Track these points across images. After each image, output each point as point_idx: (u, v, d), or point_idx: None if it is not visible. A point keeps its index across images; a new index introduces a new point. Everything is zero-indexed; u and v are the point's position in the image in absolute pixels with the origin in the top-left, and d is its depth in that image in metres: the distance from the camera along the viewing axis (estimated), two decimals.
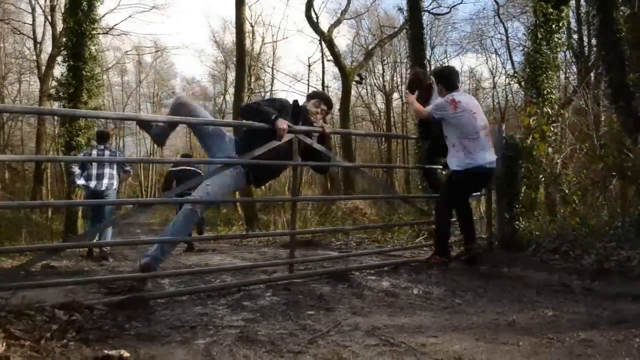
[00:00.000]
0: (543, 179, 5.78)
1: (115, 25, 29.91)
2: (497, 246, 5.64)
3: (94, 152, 7.58)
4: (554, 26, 11.79)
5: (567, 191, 5.90)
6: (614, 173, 5.46)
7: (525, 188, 5.70)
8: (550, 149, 5.93)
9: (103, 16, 22.63)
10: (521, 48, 23.41)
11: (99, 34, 14.50)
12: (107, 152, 7.40)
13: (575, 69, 21.04)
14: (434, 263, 4.73)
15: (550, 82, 11.00)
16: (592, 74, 16.79)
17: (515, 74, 15.14)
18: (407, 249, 5.90)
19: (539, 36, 11.17)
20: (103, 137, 7.63)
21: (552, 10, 11.33)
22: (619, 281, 3.84)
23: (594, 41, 17.88)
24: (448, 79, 4.87)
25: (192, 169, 8.67)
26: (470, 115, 4.61)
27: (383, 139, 31.98)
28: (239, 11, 14.98)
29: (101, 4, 13.36)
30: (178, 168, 8.79)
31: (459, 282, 3.95)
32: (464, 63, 56.88)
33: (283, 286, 3.84)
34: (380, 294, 3.58)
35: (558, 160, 5.88)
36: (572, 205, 5.76)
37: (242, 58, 15.27)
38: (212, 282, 4.18)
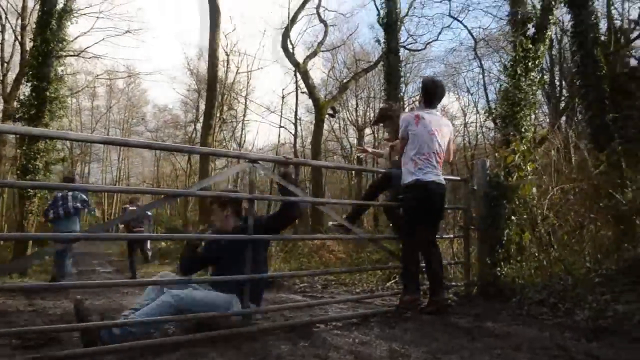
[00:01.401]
0: (529, 221, 5.28)
1: (88, 47, 29.16)
2: (477, 295, 5.12)
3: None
4: (530, 64, 11.66)
5: (551, 236, 5.42)
6: (609, 216, 5.02)
7: (509, 231, 5.20)
8: (534, 190, 5.47)
9: (75, 38, 22.04)
10: (495, 86, 23.52)
11: (67, 55, 13.93)
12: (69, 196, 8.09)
13: (547, 109, 21.15)
14: (404, 306, 4.36)
15: (527, 119, 10.75)
16: (564, 115, 16.81)
17: (492, 110, 14.95)
18: (377, 296, 5.30)
19: (519, 72, 10.96)
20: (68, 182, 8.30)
21: (531, 46, 11.17)
22: (621, 343, 3.31)
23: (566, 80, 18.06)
24: (430, 94, 4.72)
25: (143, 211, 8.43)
26: (428, 135, 4.51)
27: (353, 174, 31.57)
28: (212, 36, 14.54)
29: (71, 24, 12.83)
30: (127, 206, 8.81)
31: (439, 341, 3.37)
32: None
33: (233, 344, 3.20)
34: (347, 357, 2.97)
35: (545, 202, 5.43)
36: (556, 251, 5.27)
37: (213, 84, 14.79)
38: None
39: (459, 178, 5.64)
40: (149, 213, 8.88)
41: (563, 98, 20.09)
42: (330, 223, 5.11)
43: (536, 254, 5.38)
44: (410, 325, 3.85)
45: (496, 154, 8.09)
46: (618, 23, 15.28)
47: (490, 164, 5.64)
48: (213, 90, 14.56)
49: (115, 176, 42.35)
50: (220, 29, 14.53)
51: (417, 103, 4.92)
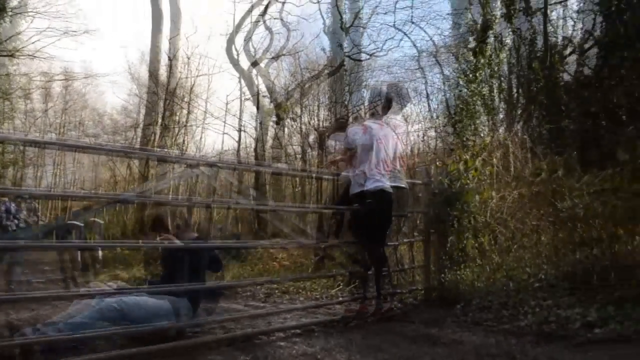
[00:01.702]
0: (471, 227, 5.29)
1: (23, 47, 27.76)
2: (423, 301, 5.09)
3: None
4: (471, 75, 11.92)
5: (493, 242, 5.47)
6: (549, 220, 5.10)
7: (454, 237, 5.20)
8: (477, 196, 5.51)
9: (9, 38, 20.91)
10: (437, 97, 23.97)
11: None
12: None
13: (502, 117, 21.71)
14: (351, 315, 4.37)
15: (469, 128, 10.95)
16: (520, 122, 17.33)
17: (436, 120, 15.20)
18: (322, 305, 5.16)
19: (461, 82, 11.18)
20: None
21: (472, 58, 11.43)
22: (565, 349, 3.32)
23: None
24: (388, 100, 4.86)
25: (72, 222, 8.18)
26: (377, 143, 4.55)
27: (297, 180, 31.45)
28: (154, 40, 14.13)
29: (4, 22, 12.10)
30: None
31: (385, 352, 3.28)
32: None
33: None
34: None
35: (487, 208, 5.47)
36: (498, 257, 5.31)
37: (154, 89, 14.32)
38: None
39: (403, 185, 5.59)
40: (78, 223, 8.42)
41: (502, 110, 20.68)
42: None
43: (478, 260, 5.40)
44: (356, 335, 3.75)
45: (437, 162, 8.19)
46: (553, 39, 15.93)
47: (432, 172, 5.64)
48: (152, 94, 14.12)
49: (50, 182, 40.53)
50: (162, 33, 14.13)
51: (377, 109, 4.88)
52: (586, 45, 11.65)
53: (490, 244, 5.41)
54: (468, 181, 5.68)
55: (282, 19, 24.58)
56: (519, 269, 5.32)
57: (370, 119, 4.73)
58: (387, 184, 4.51)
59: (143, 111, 32.84)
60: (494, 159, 6.18)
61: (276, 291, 7.20)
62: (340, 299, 5.41)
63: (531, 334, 3.68)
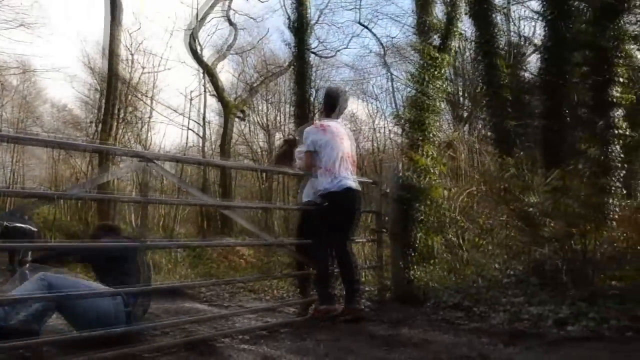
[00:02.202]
0: (439, 223, 5.21)
1: None
2: (391, 299, 4.97)
3: None
4: (436, 72, 11.90)
5: (461, 238, 5.41)
6: (516, 218, 5.04)
7: (421, 233, 5.10)
8: (445, 192, 5.44)
9: None
10: (402, 93, 24.06)
11: None
12: None
13: (449, 118, 21.94)
14: (319, 315, 4.16)
15: (434, 125, 10.92)
16: (467, 123, 17.51)
17: (400, 116, 15.17)
18: (289, 304, 4.96)
19: (426, 78, 11.11)
20: None
21: (437, 55, 11.39)
22: (539, 347, 3.23)
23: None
24: (333, 104, 4.70)
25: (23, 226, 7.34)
26: (339, 141, 4.46)
27: (265, 177, 31.21)
28: (112, 32, 13.66)
29: None
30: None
31: (355, 353, 3.13)
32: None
33: None
34: None
35: (456, 204, 5.40)
36: (467, 253, 5.26)
37: (112, 82, 13.86)
38: None
39: (370, 180, 5.46)
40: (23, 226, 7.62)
41: (465, 108, 20.93)
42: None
43: (447, 257, 5.33)
44: (324, 336, 3.59)
45: (403, 158, 8.09)
46: (515, 39, 16.16)
47: (399, 168, 5.53)
48: (112, 88, 13.65)
49: (9, 178, 39.05)
50: (121, 26, 13.67)
51: (340, 108, 4.78)
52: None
53: (458, 239, 5.34)
54: (435, 177, 5.61)
55: (245, 15, 24.39)
56: (487, 265, 5.28)
57: (325, 119, 4.61)
58: (353, 182, 4.40)
59: (104, 106, 32.04)
60: (462, 155, 6.12)
61: (241, 290, 7.00)
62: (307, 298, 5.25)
63: (503, 332, 3.59)
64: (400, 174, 5.22)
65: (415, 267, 5.03)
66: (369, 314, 4.46)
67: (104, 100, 31.39)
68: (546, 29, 10.27)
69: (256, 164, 32.15)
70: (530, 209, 4.87)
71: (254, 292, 6.62)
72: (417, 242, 5.09)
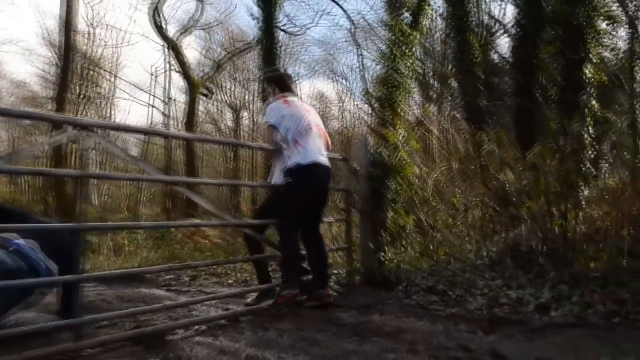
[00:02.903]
0: (409, 202, 4.93)
1: None
2: (361, 283, 4.69)
3: None
4: (406, 50, 11.63)
5: (434, 219, 5.15)
6: (491, 196, 4.80)
7: (392, 213, 4.81)
8: (417, 170, 5.15)
9: None
10: (372, 72, 23.81)
11: None
12: None
13: (418, 98, 21.80)
14: (283, 301, 3.77)
15: (404, 102, 10.65)
16: (436, 104, 17.36)
17: (370, 93, 14.85)
18: (252, 290, 4.56)
19: (397, 55, 10.80)
20: None
21: (408, 31, 11.07)
22: (521, 334, 2.99)
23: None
24: (282, 80, 4.37)
25: None
26: (304, 112, 4.16)
27: (231, 154, 30.62)
28: (68, 2, 12.90)
29: None
30: None
31: (321, 345, 2.82)
32: (315, 86, 57.59)
33: None
34: None
35: (428, 183, 5.13)
36: (440, 234, 5.00)
37: (67, 54, 13.15)
38: None
39: (339, 157, 5.12)
40: None
41: (434, 89, 20.81)
42: None
43: (419, 238, 5.07)
44: (288, 325, 3.28)
45: (373, 135, 7.81)
46: (485, 19, 16.03)
47: (370, 143, 5.19)
48: (67, 61, 12.96)
49: None
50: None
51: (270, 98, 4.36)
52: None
53: (430, 220, 5.08)
54: (406, 154, 5.34)
55: None
56: (461, 246, 5.06)
57: (283, 95, 4.21)
58: (323, 157, 4.05)
59: (70, 84, 30.75)
60: (433, 133, 5.84)
61: (203, 273, 6.63)
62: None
63: (482, 318, 3.35)
64: (371, 150, 4.90)
65: (386, 248, 4.75)
66: (337, 299, 4.16)
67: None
68: (519, 5, 10.11)
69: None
70: (508, 188, 4.62)
71: (216, 276, 6.25)
72: (388, 222, 4.80)
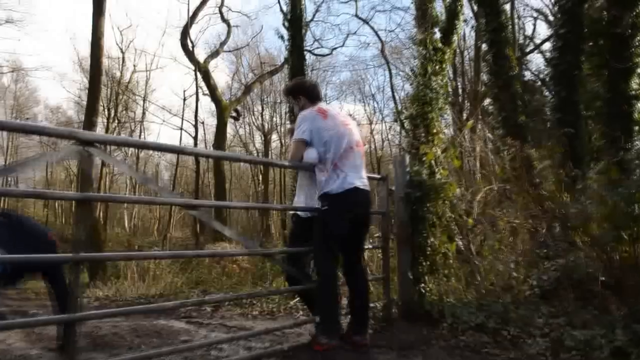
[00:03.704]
0: (456, 227, 4.43)
1: None
2: (399, 317, 4.20)
3: None
4: (437, 67, 11.22)
5: (480, 244, 4.63)
6: (556, 217, 4.25)
7: (433, 239, 4.33)
8: (458, 190, 4.66)
9: None
10: (400, 93, 23.52)
11: None
12: None
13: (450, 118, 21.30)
14: (319, 350, 3.25)
15: (439, 120, 10.16)
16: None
17: (401, 111, 14.41)
18: (279, 328, 4.10)
19: (429, 70, 10.36)
20: None
21: (440, 46, 10.65)
22: None
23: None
24: (310, 88, 3.80)
25: None
26: (344, 127, 3.56)
27: (260, 177, 30.49)
28: (96, 23, 12.86)
29: None
30: None
31: None
32: (343, 108, 57.59)
33: None
34: None
35: (474, 204, 4.62)
36: (487, 262, 4.47)
37: (96, 77, 13.05)
38: None
39: (377, 176, 4.66)
40: None
41: (465, 109, 20.34)
42: None
43: (463, 266, 4.56)
44: None
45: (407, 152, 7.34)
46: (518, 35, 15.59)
47: (407, 161, 4.72)
48: (96, 84, 12.84)
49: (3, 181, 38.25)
50: (104, 16, 12.86)
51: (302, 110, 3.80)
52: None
53: (476, 246, 4.57)
54: (446, 172, 4.88)
55: (239, 12, 23.65)
56: (506, 273, 4.53)
57: (316, 105, 3.66)
58: (364, 180, 3.56)
59: (100, 107, 31.14)
60: (476, 149, 5.36)
61: (226, 303, 6.23)
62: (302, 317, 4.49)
63: None
64: (409, 169, 4.44)
65: (426, 278, 4.26)
66: (373, 336, 3.69)
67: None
68: (559, 14, 9.62)
69: (251, 166, 31.45)
70: (565, 209, 4.08)
71: (240, 306, 5.82)
72: (429, 248, 4.31)
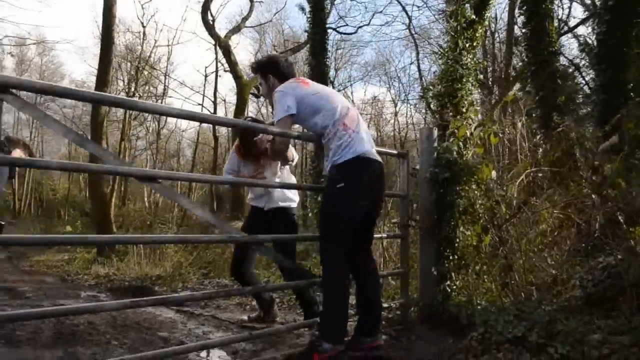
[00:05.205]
0: (487, 215, 3.70)
1: None
2: (419, 320, 3.53)
3: None
4: (467, 44, 10.38)
5: (520, 238, 3.89)
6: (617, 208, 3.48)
7: (464, 229, 3.63)
8: (493, 173, 3.92)
9: None
10: (428, 74, 22.68)
11: None
12: None
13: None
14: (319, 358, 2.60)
15: (469, 98, 9.34)
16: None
17: (428, 88, 13.55)
18: (278, 332, 3.45)
19: (460, 45, 9.52)
20: None
21: (473, 17, 9.79)
22: None
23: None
24: (285, 67, 3.18)
25: None
26: (331, 94, 3.00)
27: None
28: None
29: None
30: None
31: None
32: (367, 90, 56.74)
33: None
34: None
35: (512, 189, 3.90)
36: (525, 259, 3.74)
37: (107, 48, 12.49)
38: None
39: (394, 152, 3.96)
40: None
41: (494, 92, 19.44)
42: None
43: (498, 263, 3.84)
44: None
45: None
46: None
47: (434, 135, 3.99)
48: (107, 54, 12.28)
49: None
50: None
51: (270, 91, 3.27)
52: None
53: (514, 239, 3.84)
54: (481, 150, 4.16)
55: None
56: (540, 271, 3.81)
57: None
58: (369, 147, 2.85)
59: (120, 82, 30.79)
60: (517, 126, 4.61)
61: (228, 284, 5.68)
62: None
63: None
64: (436, 144, 3.74)
65: (453, 275, 3.58)
66: (387, 345, 3.03)
67: (121, 75, 30.38)
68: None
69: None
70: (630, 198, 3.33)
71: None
72: (458, 240, 3.62)
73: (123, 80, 29.95)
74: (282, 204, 3.70)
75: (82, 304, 4.24)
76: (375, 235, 3.29)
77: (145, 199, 34.01)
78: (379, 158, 2.86)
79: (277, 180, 3.65)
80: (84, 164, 3.08)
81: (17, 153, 3.65)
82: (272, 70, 3.13)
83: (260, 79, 3.24)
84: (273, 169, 3.67)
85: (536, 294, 3.56)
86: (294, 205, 3.80)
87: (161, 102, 30.77)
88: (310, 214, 11.01)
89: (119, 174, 2.45)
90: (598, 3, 9.45)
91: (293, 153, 3.65)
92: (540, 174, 4.24)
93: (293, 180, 3.92)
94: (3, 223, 9.47)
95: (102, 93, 2.18)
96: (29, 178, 37.07)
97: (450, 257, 3.60)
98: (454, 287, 3.58)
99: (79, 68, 70.02)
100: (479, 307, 3.35)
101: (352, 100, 31.14)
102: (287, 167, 3.73)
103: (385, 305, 3.64)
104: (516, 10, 13.22)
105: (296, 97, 2.83)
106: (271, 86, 3.07)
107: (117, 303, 2.32)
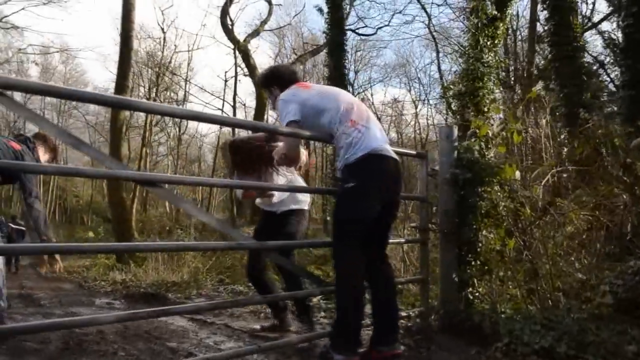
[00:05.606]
0: (511, 218, 3.51)
1: (4, 17, 26.13)
2: (440, 329, 3.35)
3: None
4: (489, 42, 10.15)
5: (546, 242, 3.68)
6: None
7: (487, 232, 3.45)
8: (517, 173, 3.72)
9: None
10: (448, 74, 22.45)
11: None
12: None
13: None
14: None
15: (489, 97, 9.11)
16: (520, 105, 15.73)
17: (449, 87, 13.29)
18: (302, 340, 3.28)
19: (481, 42, 9.31)
20: None
21: (495, 13, 9.56)
22: None
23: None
24: (287, 74, 3.09)
25: None
26: (336, 93, 2.85)
27: None
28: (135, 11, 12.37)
29: None
30: None
31: None
32: (387, 92, 56.43)
33: None
34: None
35: (538, 190, 3.70)
36: (552, 264, 3.53)
37: (127, 52, 12.55)
38: None
39: (412, 152, 3.80)
40: None
41: (516, 91, 19.13)
42: None
43: (523, 268, 3.64)
44: None
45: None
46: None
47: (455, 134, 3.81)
48: (126, 59, 12.34)
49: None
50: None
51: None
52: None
53: (539, 243, 3.63)
54: (503, 149, 3.98)
55: None
56: (568, 276, 3.59)
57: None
58: (382, 142, 2.70)
59: (142, 89, 31.06)
60: (541, 124, 4.40)
61: (242, 294, 5.56)
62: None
63: None
64: (456, 144, 3.56)
65: (476, 282, 3.39)
66: (405, 355, 2.86)
67: (142, 82, 30.61)
68: None
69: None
70: None
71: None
72: (480, 245, 3.43)
73: (144, 87, 30.26)
74: (294, 207, 3.65)
75: (80, 316, 4.18)
76: (394, 240, 3.11)
77: (167, 204, 34.29)
78: (393, 154, 2.70)
79: (284, 181, 3.56)
80: (82, 168, 3.00)
81: (41, 151, 3.57)
82: (274, 81, 3.07)
83: (266, 91, 3.20)
84: (275, 182, 3.56)
85: (564, 301, 3.36)
86: (306, 207, 3.76)
87: (182, 107, 31.00)
88: (329, 218, 10.87)
89: (117, 177, 2.32)
90: None
91: (304, 154, 3.53)
92: (565, 174, 4.03)
93: (300, 181, 3.81)
94: (24, 229, 9.62)
95: (95, 92, 2.06)
96: (53, 185, 37.76)
97: (473, 263, 3.42)
98: (477, 293, 3.39)
99: (102, 75, 71.04)
100: (503, 315, 3.16)
101: (372, 103, 31.02)
102: (294, 170, 3.61)
103: (404, 313, 3.47)
104: (539, 6, 12.93)
105: (298, 102, 2.73)
106: (276, 97, 2.97)
107: (113, 316, 2.20)
